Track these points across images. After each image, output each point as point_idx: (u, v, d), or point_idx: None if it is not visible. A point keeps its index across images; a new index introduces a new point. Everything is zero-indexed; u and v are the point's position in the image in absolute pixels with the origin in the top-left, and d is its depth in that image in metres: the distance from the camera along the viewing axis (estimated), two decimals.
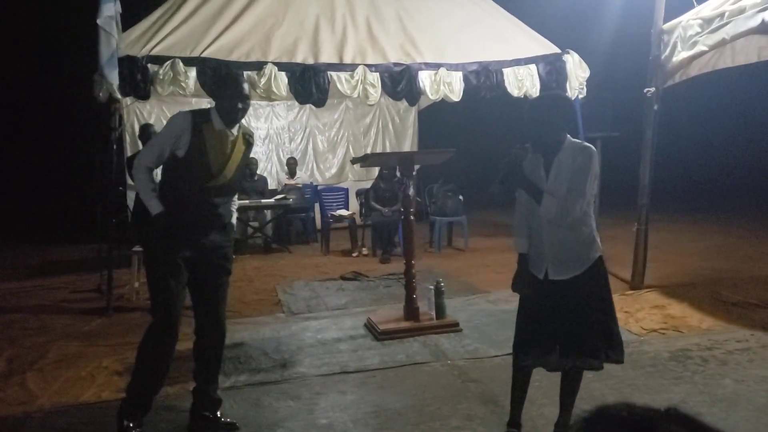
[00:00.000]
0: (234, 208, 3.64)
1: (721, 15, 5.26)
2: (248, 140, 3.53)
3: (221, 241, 3.49)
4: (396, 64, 6.63)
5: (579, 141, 3.03)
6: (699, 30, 5.56)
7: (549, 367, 3.12)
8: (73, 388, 4.20)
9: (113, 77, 5.69)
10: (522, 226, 3.14)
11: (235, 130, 3.40)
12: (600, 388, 3.88)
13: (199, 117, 3.32)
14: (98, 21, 5.58)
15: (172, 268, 3.30)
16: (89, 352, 4.91)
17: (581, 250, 3.02)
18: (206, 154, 3.29)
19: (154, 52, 6.04)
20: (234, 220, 3.64)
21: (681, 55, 5.82)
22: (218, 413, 3.57)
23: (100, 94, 5.79)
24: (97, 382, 4.29)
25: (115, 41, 5.69)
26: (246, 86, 3.45)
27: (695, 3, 5.87)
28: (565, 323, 3.01)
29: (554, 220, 2.95)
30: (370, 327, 5.28)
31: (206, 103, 10.67)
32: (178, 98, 7.97)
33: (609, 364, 3.09)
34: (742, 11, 5.03)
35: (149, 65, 5.95)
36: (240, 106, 3.32)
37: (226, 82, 3.46)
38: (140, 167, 3.33)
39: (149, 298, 3.42)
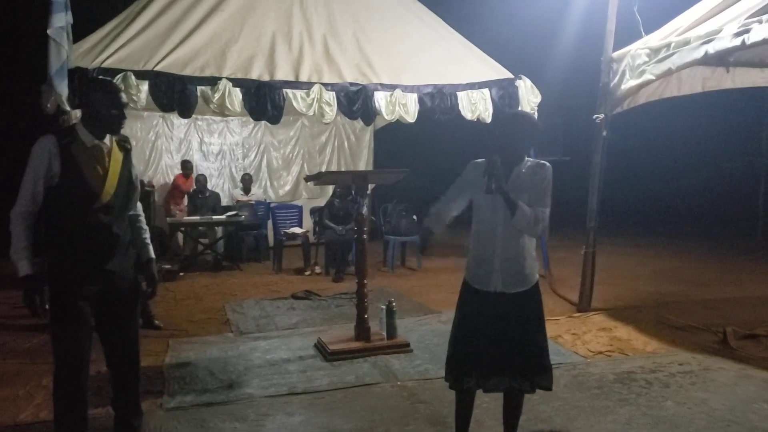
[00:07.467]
0: (142, 224, 3.39)
1: (668, 45, 5.43)
2: (125, 146, 3.19)
3: (126, 266, 3.18)
4: (352, 84, 6.64)
5: (534, 159, 3.21)
6: (647, 59, 5.72)
7: (487, 388, 3.12)
8: (9, 407, 4.05)
9: (62, 88, 5.55)
10: (441, 218, 3.31)
11: (107, 141, 3.09)
12: (546, 410, 3.92)
13: (64, 137, 3.00)
14: (48, 31, 5.44)
15: (75, 311, 3.00)
16: (29, 370, 4.75)
17: (529, 264, 3.12)
18: (82, 175, 2.98)
19: (105, 65, 5.92)
20: (147, 237, 3.39)
21: (629, 83, 5.97)
22: None
23: (48, 105, 5.63)
24: (35, 401, 4.14)
25: (66, 52, 5.55)
26: (122, 93, 3.17)
27: (643, 33, 6.05)
28: (506, 342, 3.06)
29: (526, 229, 3.04)
30: (320, 347, 5.24)
31: (158, 117, 10.59)
32: (129, 112, 7.69)
33: (539, 389, 3.16)
34: (687, 43, 5.20)
35: (100, 78, 5.84)
36: (115, 113, 3.04)
37: (99, 88, 3.11)
38: (16, 216, 2.99)
39: (51, 343, 3.08)
